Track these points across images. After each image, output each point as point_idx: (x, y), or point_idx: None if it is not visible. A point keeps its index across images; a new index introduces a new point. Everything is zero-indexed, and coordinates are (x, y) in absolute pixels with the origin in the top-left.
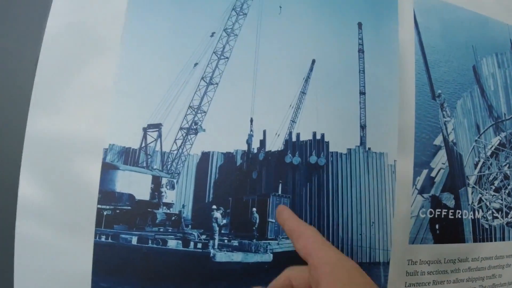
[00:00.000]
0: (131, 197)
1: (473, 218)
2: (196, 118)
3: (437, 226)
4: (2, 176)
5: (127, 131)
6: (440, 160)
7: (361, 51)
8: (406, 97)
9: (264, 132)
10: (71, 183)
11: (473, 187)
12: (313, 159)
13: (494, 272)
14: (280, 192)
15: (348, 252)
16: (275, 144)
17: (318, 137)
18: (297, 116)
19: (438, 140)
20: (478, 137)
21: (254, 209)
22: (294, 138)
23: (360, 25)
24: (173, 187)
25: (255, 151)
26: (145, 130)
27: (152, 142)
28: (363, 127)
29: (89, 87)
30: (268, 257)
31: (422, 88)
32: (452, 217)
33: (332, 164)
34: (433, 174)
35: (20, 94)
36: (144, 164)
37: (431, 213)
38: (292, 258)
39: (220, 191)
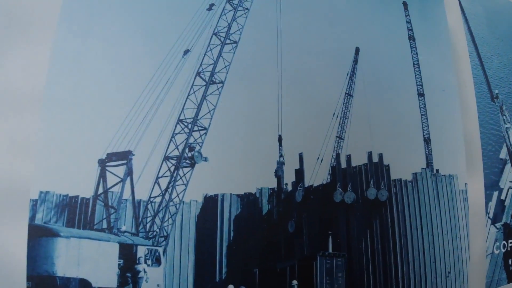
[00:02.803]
0: (84, 284)
1: None
2: (191, 140)
3: (510, 262)
4: None
5: (70, 168)
6: (508, 178)
7: (411, 38)
8: (466, 98)
9: (301, 156)
10: None
11: None
12: (371, 193)
13: None
14: (330, 250)
15: None
16: (318, 175)
17: (375, 159)
18: (344, 129)
19: (503, 153)
20: None
21: (295, 282)
22: (344, 163)
23: (405, 5)
24: (158, 261)
25: (289, 187)
26: (102, 163)
27: (116, 184)
28: (427, 140)
29: (7, 93)
30: None
31: (480, 87)
32: None
33: (396, 197)
34: (503, 197)
35: None
36: (105, 225)
37: (504, 246)
38: None
39: (239, 259)
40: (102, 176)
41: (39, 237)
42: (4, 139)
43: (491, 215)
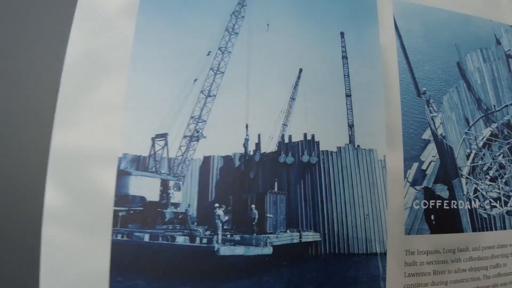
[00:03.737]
0: (142, 199)
1: (470, 208)
2: (197, 127)
3: (432, 217)
4: (31, 185)
5: (137, 141)
6: (430, 153)
7: (344, 57)
8: (391, 96)
9: (259, 136)
10: (91, 189)
11: (466, 177)
12: (305, 158)
13: (498, 262)
14: (276, 190)
15: (344, 244)
16: (269, 146)
17: (309, 137)
18: (288, 119)
19: (427, 135)
20: (468, 129)
21: (253, 205)
22: (286, 140)
23: (342, 34)
24: (179, 189)
25: (252, 153)
26: (153, 139)
27: (159, 149)
28: (351, 126)
29: (104, 105)
30: (268, 250)
31: (407, 87)
32: (448, 207)
33: (323, 161)
34: (424, 167)
35: (45, 113)
36: (153, 169)
37: (425, 204)
38: (291, 251)
39: (221, 190)
40: (153, 145)
41: (121, 175)
42: (104, 124)
43: (410, 179)
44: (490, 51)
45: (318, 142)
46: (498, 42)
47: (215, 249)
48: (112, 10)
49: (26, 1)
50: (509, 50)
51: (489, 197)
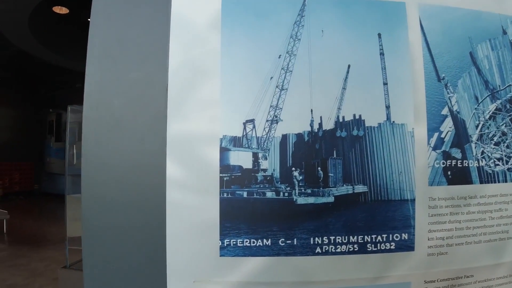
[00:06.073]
0: (240, 167)
1: (478, 165)
2: (275, 113)
3: (449, 173)
4: (155, 162)
5: (232, 126)
6: (448, 125)
7: (382, 54)
8: (417, 82)
9: (321, 117)
10: (201, 162)
11: (476, 143)
12: (355, 132)
13: (500, 207)
14: (335, 156)
15: (384, 193)
16: (328, 125)
17: (357, 117)
18: (341, 104)
19: (445, 111)
20: (477, 106)
21: (319, 168)
22: (341, 120)
23: (379, 35)
24: (266, 159)
25: (316, 130)
26: (244, 124)
27: (249, 131)
28: (387, 107)
29: (205, 100)
30: (331, 199)
31: (430, 75)
32: (461, 165)
33: (368, 134)
34: (443, 136)
35: (160, 108)
36: (246, 146)
37: (443, 163)
38: (346, 199)
39: (296, 158)
40: (244, 128)
41: (223, 151)
42: (206, 115)
43: (432, 145)
44: (497, 40)
45: (364, 120)
46: (504, 32)
47: (294, 199)
48: (200, 26)
49: (131, 23)
50: None
51: (493, 157)
